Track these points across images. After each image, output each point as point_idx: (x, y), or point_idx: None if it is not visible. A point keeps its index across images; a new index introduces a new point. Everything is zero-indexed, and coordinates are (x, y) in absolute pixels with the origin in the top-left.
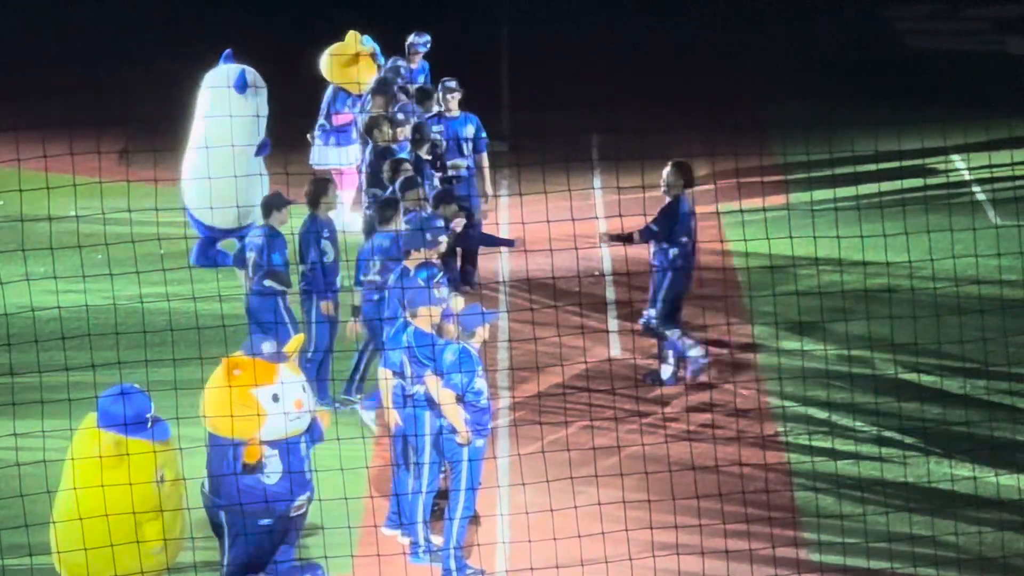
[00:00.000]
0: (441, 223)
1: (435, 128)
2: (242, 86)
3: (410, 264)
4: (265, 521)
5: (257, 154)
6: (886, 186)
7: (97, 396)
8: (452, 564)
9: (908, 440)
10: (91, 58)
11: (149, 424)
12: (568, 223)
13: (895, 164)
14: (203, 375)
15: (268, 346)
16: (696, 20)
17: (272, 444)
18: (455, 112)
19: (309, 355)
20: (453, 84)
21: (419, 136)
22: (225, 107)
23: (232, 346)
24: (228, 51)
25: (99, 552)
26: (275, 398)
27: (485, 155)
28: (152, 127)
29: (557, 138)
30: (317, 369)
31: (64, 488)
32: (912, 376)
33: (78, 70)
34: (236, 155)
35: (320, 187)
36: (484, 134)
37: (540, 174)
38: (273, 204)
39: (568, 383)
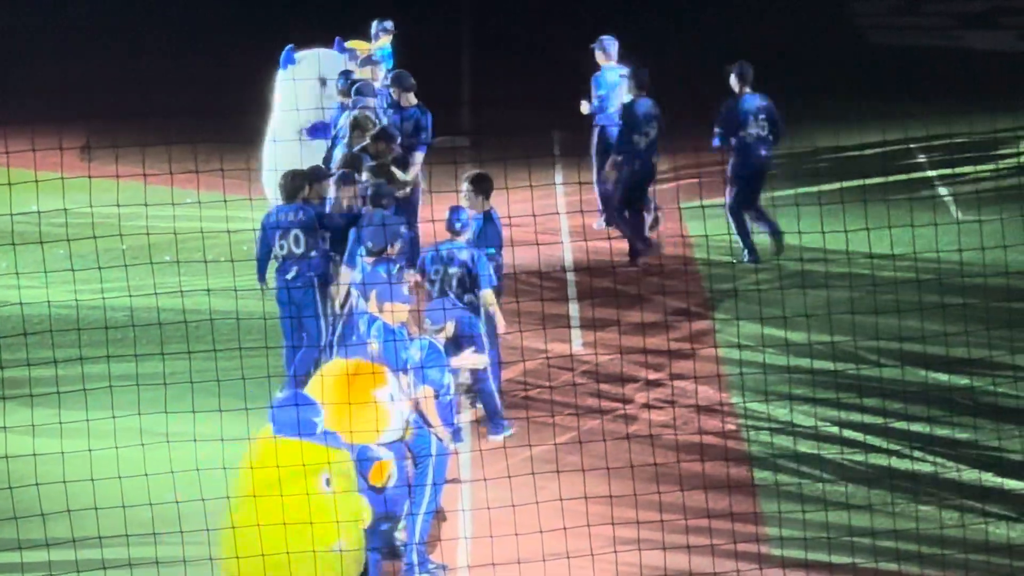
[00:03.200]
0: (402, 222)
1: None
2: (287, 61)
3: (368, 260)
4: (385, 526)
5: (310, 137)
6: (848, 181)
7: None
8: (415, 558)
9: (870, 435)
10: (53, 54)
11: (319, 430)
12: (529, 218)
13: (856, 159)
14: (164, 370)
15: (374, 347)
16: (656, 16)
17: (388, 446)
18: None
19: (304, 347)
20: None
21: (381, 135)
22: (291, 97)
23: (194, 342)
24: (338, 39)
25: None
26: (392, 398)
27: (420, 154)
28: (114, 122)
29: (519, 134)
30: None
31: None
32: (874, 371)
33: (40, 66)
34: (293, 144)
35: (298, 180)
36: (425, 134)
37: (502, 169)
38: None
39: (529, 378)
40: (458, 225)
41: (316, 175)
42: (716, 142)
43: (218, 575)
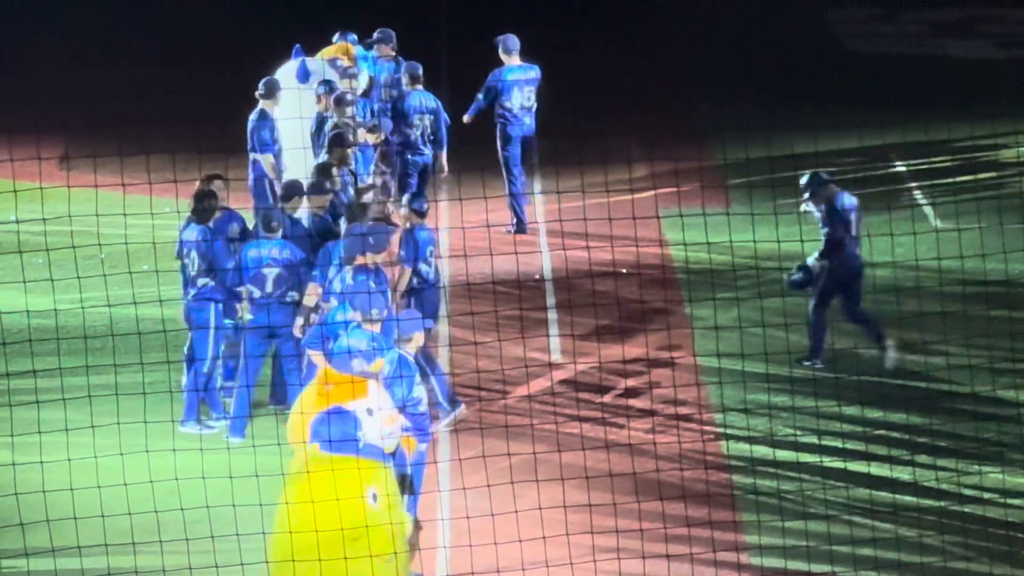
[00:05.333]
0: (385, 228)
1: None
2: (304, 75)
3: (348, 270)
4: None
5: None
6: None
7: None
8: None
9: (848, 444)
10: (29, 63)
11: (361, 444)
12: (509, 227)
13: (834, 167)
14: (144, 379)
15: (358, 363)
16: (634, 25)
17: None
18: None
19: (204, 368)
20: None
21: (334, 143)
22: (295, 105)
23: (173, 351)
24: (297, 46)
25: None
26: (369, 412)
27: None
28: (92, 132)
29: (497, 142)
30: (207, 380)
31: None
32: (852, 380)
33: (18, 76)
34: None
35: (208, 200)
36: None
37: (480, 178)
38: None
39: (508, 387)
40: (426, 207)
41: (294, 188)
42: (471, 110)
43: None
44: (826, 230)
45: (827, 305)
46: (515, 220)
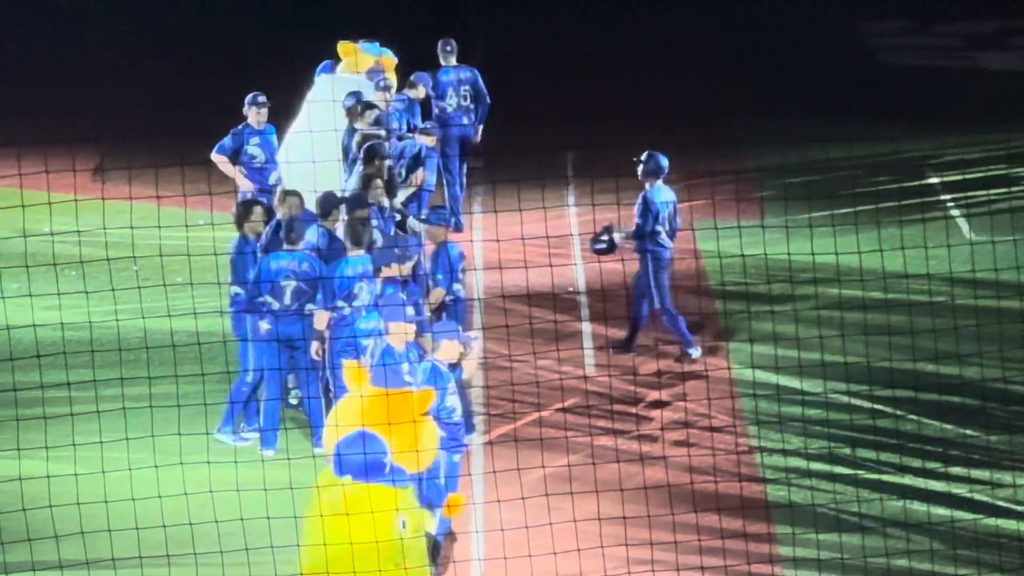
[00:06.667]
0: (414, 240)
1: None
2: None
3: (376, 281)
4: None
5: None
6: (860, 202)
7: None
8: None
9: (883, 456)
10: (64, 75)
11: (387, 469)
12: (542, 239)
13: (869, 180)
14: (178, 391)
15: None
16: (670, 38)
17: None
18: None
19: (249, 378)
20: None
21: (370, 155)
22: (328, 118)
23: (207, 363)
24: (327, 63)
25: None
26: None
27: None
28: (127, 144)
29: (532, 155)
30: (254, 390)
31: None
32: (886, 392)
33: (53, 88)
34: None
35: (247, 209)
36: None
37: (515, 191)
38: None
39: (542, 399)
40: (443, 221)
41: (331, 201)
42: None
43: None
44: (639, 220)
45: (645, 297)
46: (453, 220)
